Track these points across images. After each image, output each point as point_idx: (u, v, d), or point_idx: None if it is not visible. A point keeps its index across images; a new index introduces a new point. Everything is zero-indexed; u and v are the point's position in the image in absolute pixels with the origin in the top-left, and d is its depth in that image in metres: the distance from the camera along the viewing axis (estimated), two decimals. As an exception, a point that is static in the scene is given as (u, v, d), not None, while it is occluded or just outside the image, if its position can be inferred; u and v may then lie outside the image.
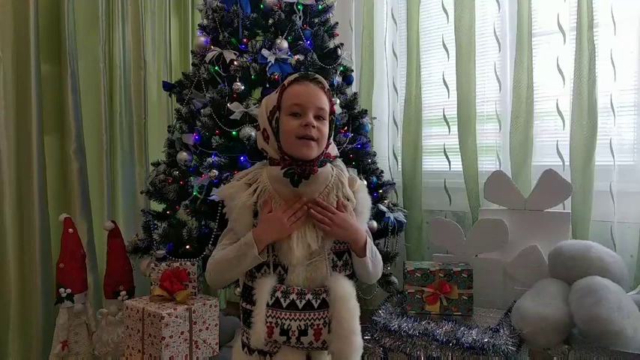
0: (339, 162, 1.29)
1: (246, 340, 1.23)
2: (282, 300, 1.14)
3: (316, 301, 1.14)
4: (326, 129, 1.21)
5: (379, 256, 1.30)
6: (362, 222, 1.26)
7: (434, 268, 1.90)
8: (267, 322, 1.13)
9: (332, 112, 1.23)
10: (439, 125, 2.52)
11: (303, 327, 1.12)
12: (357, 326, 1.14)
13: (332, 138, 1.27)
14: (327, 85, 1.24)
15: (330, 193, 1.21)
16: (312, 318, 1.13)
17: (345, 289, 1.14)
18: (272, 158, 1.23)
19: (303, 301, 1.14)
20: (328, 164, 1.23)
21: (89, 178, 2.37)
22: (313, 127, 1.16)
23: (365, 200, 1.27)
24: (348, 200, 1.23)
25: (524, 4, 2.12)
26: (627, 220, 1.97)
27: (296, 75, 1.24)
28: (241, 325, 1.27)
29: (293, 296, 1.14)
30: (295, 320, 1.13)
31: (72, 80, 2.30)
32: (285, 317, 1.13)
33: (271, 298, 1.14)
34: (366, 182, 2.07)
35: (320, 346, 1.14)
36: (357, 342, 1.13)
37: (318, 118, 1.19)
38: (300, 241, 1.17)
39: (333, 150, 1.29)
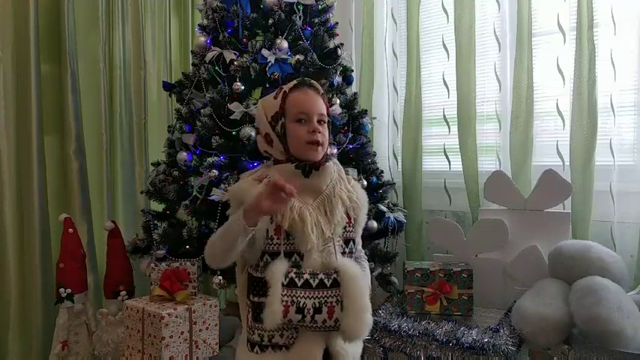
0: (335, 160, 1.39)
1: (258, 337, 1.24)
2: (296, 279, 1.19)
3: (328, 280, 1.20)
4: (327, 132, 1.31)
5: (368, 270, 1.40)
6: (363, 214, 1.35)
7: (434, 268, 1.90)
8: (283, 302, 1.16)
9: (328, 114, 1.33)
10: (439, 125, 2.51)
11: (317, 305, 1.17)
12: (368, 303, 1.19)
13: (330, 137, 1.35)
14: (322, 90, 1.33)
15: (335, 186, 1.29)
16: (326, 296, 1.18)
17: (353, 269, 1.20)
18: (277, 160, 1.30)
19: (317, 280, 1.19)
20: (330, 161, 1.32)
21: (89, 178, 2.37)
22: (319, 132, 1.26)
23: (362, 194, 1.36)
24: (350, 193, 1.31)
25: (524, 4, 2.12)
26: (627, 220, 1.96)
27: (294, 82, 1.31)
28: (249, 324, 1.28)
29: (306, 276, 1.20)
30: (310, 298, 1.18)
31: (72, 80, 2.30)
32: (301, 295, 1.18)
33: (285, 278, 1.19)
34: (366, 182, 2.07)
35: (332, 325, 1.18)
36: (368, 319, 1.18)
37: (320, 122, 1.28)
38: (315, 228, 1.23)
39: (330, 148, 1.40)
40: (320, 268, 1.22)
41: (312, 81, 1.32)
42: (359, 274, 1.20)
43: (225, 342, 2.07)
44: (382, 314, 1.86)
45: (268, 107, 1.30)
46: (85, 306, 2.06)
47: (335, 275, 1.19)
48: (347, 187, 1.31)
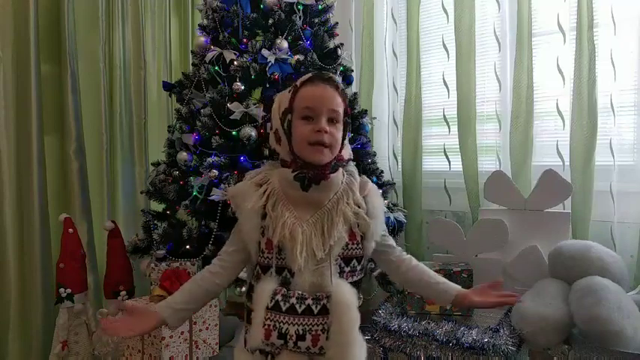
0: (352, 166, 1.26)
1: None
2: (281, 303, 1.12)
3: (316, 306, 1.13)
4: (339, 133, 1.17)
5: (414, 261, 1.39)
6: (377, 225, 1.22)
7: (434, 268, 1.89)
8: (265, 325, 1.11)
9: (347, 113, 1.20)
10: (439, 125, 2.51)
11: (301, 332, 1.11)
12: (356, 336, 1.13)
13: (346, 139, 1.23)
14: (341, 86, 1.20)
15: (339, 200, 1.18)
16: (311, 323, 1.12)
17: (347, 298, 1.12)
18: (283, 160, 1.20)
19: (303, 306, 1.12)
20: (340, 169, 1.20)
21: (89, 178, 2.37)
22: (326, 132, 1.14)
23: (377, 203, 1.24)
24: (358, 207, 1.19)
25: (524, 4, 2.12)
26: (627, 220, 1.96)
27: (309, 75, 1.20)
28: (244, 323, 1.27)
29: (293, 300, 1.12)
30: (293, 325, 1.11)
31: (72, 80, 2.30)
32: (284, 321, 1.11)
33: (271, 300, 1.12)
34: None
35: (317, 352, 1.13)
36: (355, 353, 1.12)
37: (332, 121, 1.16)
38: (305, 248, 1.14)
39: (347, 152, 1.24)
40: (310, 288, 1.14)
41: (332, 75, 1.21)
42: (352, 303, 1.12)
43: (225, 342, 2.07)
44: (382, 314, 1.86)
45: (282, 102, 1.20)
46: (85, 306, 2.06)
47: (325, 301, 1.12)
48: (355, 201, 1.19)
